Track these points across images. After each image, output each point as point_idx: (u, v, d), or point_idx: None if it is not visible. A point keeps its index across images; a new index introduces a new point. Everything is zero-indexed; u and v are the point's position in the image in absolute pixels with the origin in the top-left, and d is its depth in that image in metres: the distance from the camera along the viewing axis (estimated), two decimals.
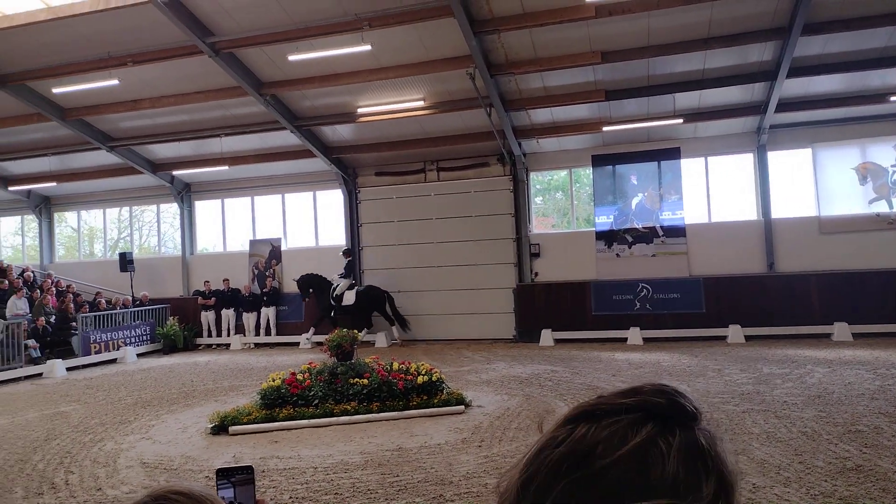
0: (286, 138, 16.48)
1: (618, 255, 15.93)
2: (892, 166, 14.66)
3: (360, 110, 15.13)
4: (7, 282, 16.94)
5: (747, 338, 14.21)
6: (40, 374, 14.01)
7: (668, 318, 15.16)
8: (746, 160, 15.71)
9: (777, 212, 15.27)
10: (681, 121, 14.80)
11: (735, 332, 14.28)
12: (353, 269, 17.08)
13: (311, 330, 16.78)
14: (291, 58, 12.89)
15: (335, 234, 18.30)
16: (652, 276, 15.52)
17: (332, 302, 16.39)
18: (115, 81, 13.94)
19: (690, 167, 15.90)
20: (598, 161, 16.25)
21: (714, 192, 15.91)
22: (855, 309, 13.91)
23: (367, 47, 12.43)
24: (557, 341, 15.23)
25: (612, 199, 16.18)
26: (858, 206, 14.75)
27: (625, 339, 14.79)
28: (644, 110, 14.86)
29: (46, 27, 12.89)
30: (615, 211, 16.12)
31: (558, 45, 12.85)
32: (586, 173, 16.83)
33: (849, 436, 6.55)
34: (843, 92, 13.97)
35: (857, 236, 14.56)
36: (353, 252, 17.31)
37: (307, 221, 18.78)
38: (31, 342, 14.71)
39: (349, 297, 16.43)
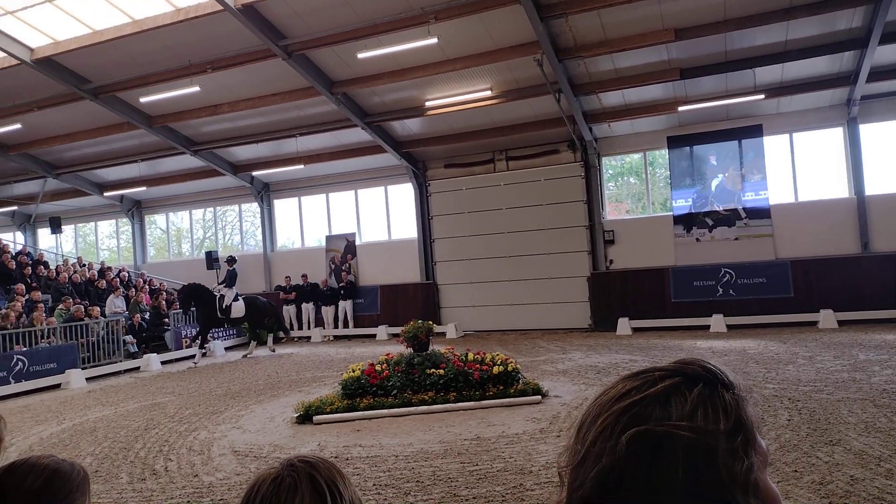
0: (357, 135, 16.81)
1: (698, 239, 15.37)
2: None
3: (427, 104, 15.24)
4: (105, 281, 18.15)
5: (840, 322, 13.43)
6: (137, 368, 14.95)
7: (754, 304, 14.52)
8: (835, 134, 14.78)
9: (871, 188, 14.30)
10: (762, 96, 14.07)
11: (827, 317, 13.51)
12: (235, 277, 15.88)
13: (200, 353, 15.21)
14: (360, 55, 13.12)
15: (407, 228, 18.54)
16: (735, 260, 14.89)
17: (221, 315, 15.25)
18: (196, 88, 14.62)
19: (774, 145, 15.12)
20: (674, 142, 15.70)
21: (801, 169, 15.07)
22: None
23: (434, 40, 12.48)
24: (635, 330, 14.88)
25: (690, 181, 15.60)
26: None
27: (707, 327, 14.28)
28: (722, 87, 14.23)
29: (132, 40, 13.65)
30: (694, 194, 15.55)
31: (628, 24, 12.49)
32: (661, 155, 16.31)
33: None
34: None
35: None
36: (235, 260, 16.42)
37: (379, 216, 19.13)
38: (129, 338, 15.71)
39: (238, 309, 15.44)
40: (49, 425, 9.46)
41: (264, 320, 16.19)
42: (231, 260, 16.51)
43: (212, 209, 21.80)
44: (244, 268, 20.33)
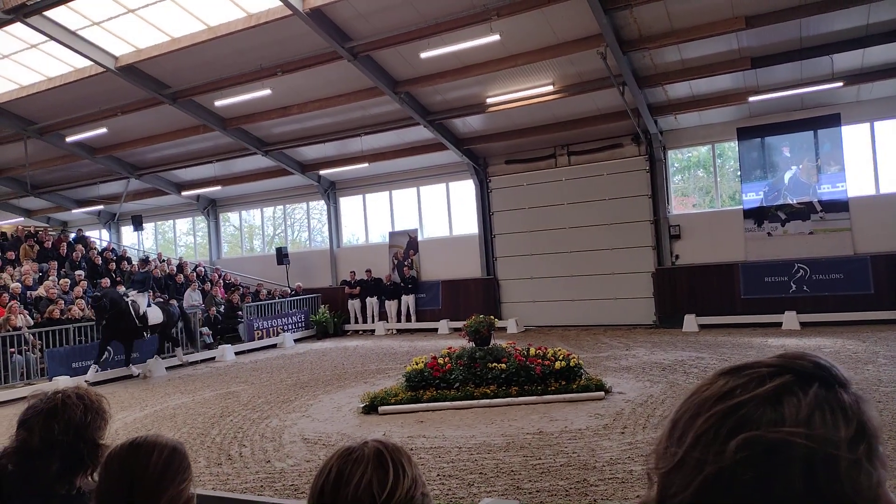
0: (420, 133, 17.04)
1: (769, 233, 14.82)
2: None
3: (489, 100, 15.29)
4: (183, 276, 19.11)
5: None
6: (213, 358, 15.69)
7: (830, 301, 13.90)
8: None
9: None
10: (840, 84, 13.40)
11: None
12: (148, 281, 14.54)
13: (94, 369, 13.05)
14: (423, 55, 13.30)
15: (468, 224, 18.67)
16: (809, 255, 14.28)
17: (139, 323, 13.62)
18: (267, 91, 15.18)
19: (853, 134, 14.38)
20: (745, 134, 15.17)
21: (882, 160, 14.28)
22: None
23: (496, 37, 12.52)
24: (702, 327, 14.51)
25: (762, 173, 15.05)
26: None
27: (779, 324, 13.78)
28: (796, 76, 13.64)
29: (207, 46, 14.30)
30: (765, 186, 14.99)
31: (696, 13, 12.15)
32: (731, 148, 15.79)
33: None
34: None
35: None
36: (148, 261, 15.60)
37: (441, 212, 19.33)
38: (205, 329, 16.50)
39: (155, 315, 14.00)
40: (132, 411, 10.11)
41: (173, 329, 14.86)
42: (144, 261, 15.80)
43: (281, 207, 22.56)
44: (311, 263, 20.98)
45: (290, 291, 19.61)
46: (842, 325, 13.22)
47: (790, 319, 13.68)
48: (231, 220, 24.00)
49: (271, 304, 18.41)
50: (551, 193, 17.11)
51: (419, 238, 19.31)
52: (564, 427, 7.23)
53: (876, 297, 13.54)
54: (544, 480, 5.60)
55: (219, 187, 21.10)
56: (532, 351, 9.35)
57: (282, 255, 19.90)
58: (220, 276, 20.21)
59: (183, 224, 24.96)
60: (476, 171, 18.05)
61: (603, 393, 8.50)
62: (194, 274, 19.53)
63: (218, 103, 16.10)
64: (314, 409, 9.18)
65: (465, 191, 18.76)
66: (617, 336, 14.48)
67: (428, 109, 16.26)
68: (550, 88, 14.64)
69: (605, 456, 6.12)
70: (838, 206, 14.21)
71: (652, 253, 15.96)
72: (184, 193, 22.01)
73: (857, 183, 14.28)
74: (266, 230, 23.21)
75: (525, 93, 14.81)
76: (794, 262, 14.36)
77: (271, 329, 17.82)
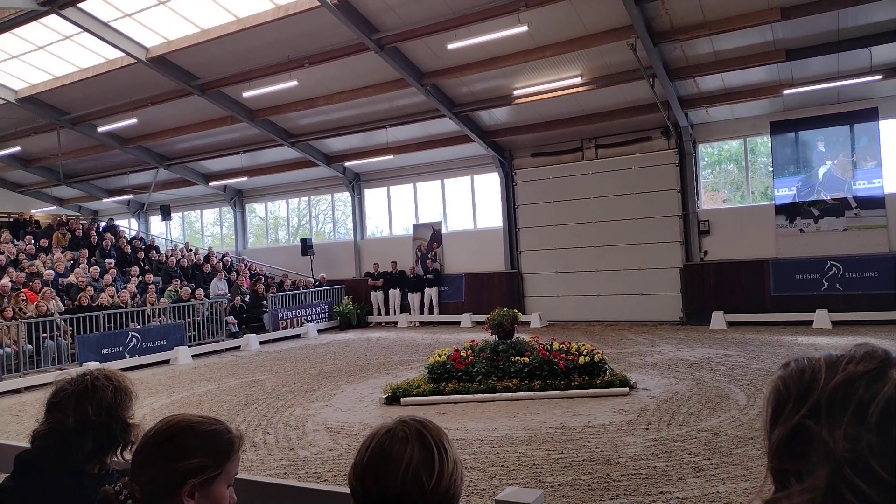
0: (445, 125, 16.98)
1: (801, 230, 14.48)
2: None
3: (516, 92, 15.16)
4: (210, 266, 19.35)
5: None
6: (238, 347, 15.87)
7: (863, 300, 13.55)
8: None
9: None
10: (879, 77, 12.99)
11: None
12: None
13: None
14: (450, 46, 13.22)
15: (492, 217, 18.58)
16: (843, 252, 13.93)
17: None
18: (294, 83, 15.24)
19: (891, 129, 13.96)
20: (778, 128, 14.83)
21: None
22: None
23: (524, 28, 12.39)
24: (730, 324, 14.26)
25: (795, 169, 14.70)
26: None
27: (809, 323, 13.48)
28: (833, 68, 13.28)
29: (236, 38, 14.41)
30: (798, 182, 14.65)
31: (730, 4, 11.88)
32: (763, 142, 15.45)
33: None
34: None
35: None
36: None
37: (465, 205, 19.26)
38: (231, 318, 16.70)
39: None
40: (160, 397, 10.26)
41: None
42: None
43: (306, 198, 22.71)
44: (335, 254, 21.08)
45: (314, 282, 19.74)
46: (875, 324, 12.88)
47: (822, 318, 13.37)
48: (257, 210, 24.23)
49: (295, 294, 18.56)
50: (578, 187, 16.93)
51: (443, 231, 19.28)
52: (587, 422, 7.15)
53: None
54: (566, 474, 5.54)
55: (245, 178, 21.29)
56: (555, 345, 9.26)
57: (306, 246, 20.04)
58: (245, 266, 20.42)
59: (210, 214, 25.28)
60: (501, 164, 17.94)
61: (627, 389, 8.40)
62: (220, 264, 19.76)
63: (246, 94, 16.22)
64: (337, 399, 9.22)
65: (489, 184, 18.67)
66: (642, 332, 14.31)
67: (454, 101, 16.19)
68: (578, 80, 14.46)
69: (628, 451, 6.04)
70: (874, 203, 13.83)
71: (680, 248, 15.72)
72: (211, 184, 22.28)
73: (894, 179, 13.87)
74: (291, 221, 23.39)
75: (552, 85, 14.65)
76: (826, 260, 14.02)
77: (295, 319, 17.96)
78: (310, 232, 22.26)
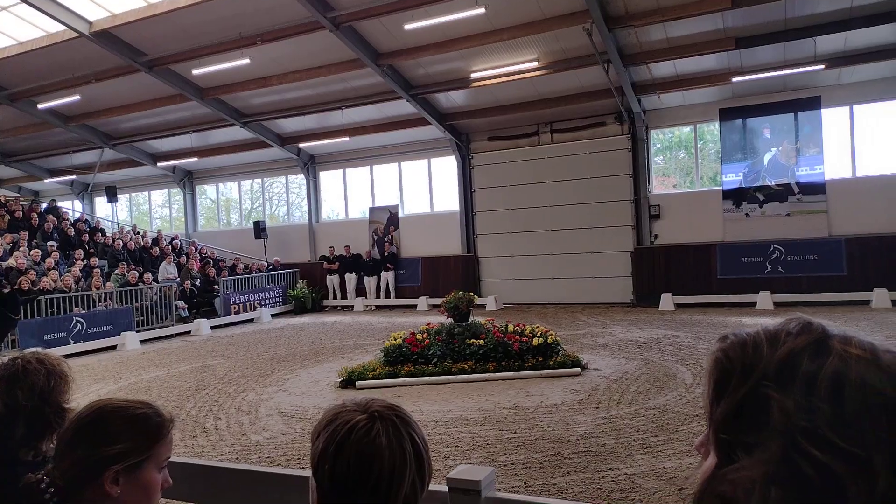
0: (402, 107, 16.84)
1: (747, 214, 14.96)
2: None
3: (473, 75, 15.12)
4: (159, 249, 18.82)
5: (895, 302, 12.96)
6: (188, 332, 15.53)
7: (804, 282, 14.12)
8: None
9: None
10: (822, 67, 13.46)
11: (880, 296, 13.06)
12: None
13: None
14: (407, 27, 13.08)
15: (449, 200, 18.58)
16: (786, 236, 14.46)
17: None
18: (246, 60, 14.85)
19: (832, 117, 14.49)
20: (727, 115, 15.22)
21: (860, 143, 14.43)
22: None
23: (481, 10, 12.34)
24: (678, 306, 14.67)
25: (742, 155, 15.13)
26: None
27: (753, 304, 13.98)
28: (780, 57, 13.67)
29: (185, 13, 13.91)
30: (745, 168, 15.10)
31: None
32: (712, 129, 15.84)
33: None
34: None
35: None
36: None
37: (422, 188, 19.20)
38: (181, 303, 16.31)
39: None
40: (106, 384, 9.97)
41: None
42: None
43: (259, 180, 22.26)
44: (289, 238, 20.77)
45: (267, 266, 19.42)
46: (815, 305, 13.45)
47: (765, 299, 13.88)
48: (208, 192, 23.64)
49: (248, 278, 18.23)
50: (533, 171, 17.06)
51: (400, 214, 19.20)
52: (540, 402, 7.27)
53: (848, 278, 13.79)
54: (519, 453, 5.63)
55: (195, 159, 20.73)
56: (510, 328, 9.37)
57: (259, 229, 19.67)
58: (196, 250, 19.94)
59: (158, 196, 24.54)
60: (458, 148, 17.92)
61: (579, 369, 8.57)
62: (170, 247, 19.24)
63: (196, 72, 15.74)
64: (291, 384, 9.13)
65: (447, 167, 18.64)
66: (595, 314, 14.59)
67: (411, 83, 16.05)
68: (535, 64, 14.52)
69: (579, 430, 6.17)
70: (815, 189, 14.37)
71: (631, 232, 16.05)
72: (159, 164, 21.61)
73: (834, 166, 14.43)
74: (244, 203, 22.92)
75: (509, 68, 14.67)
76: (770, 244, 14.54)
77: (248, 303, 17.66)
78: (263, 215, 21.86)
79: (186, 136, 19.74)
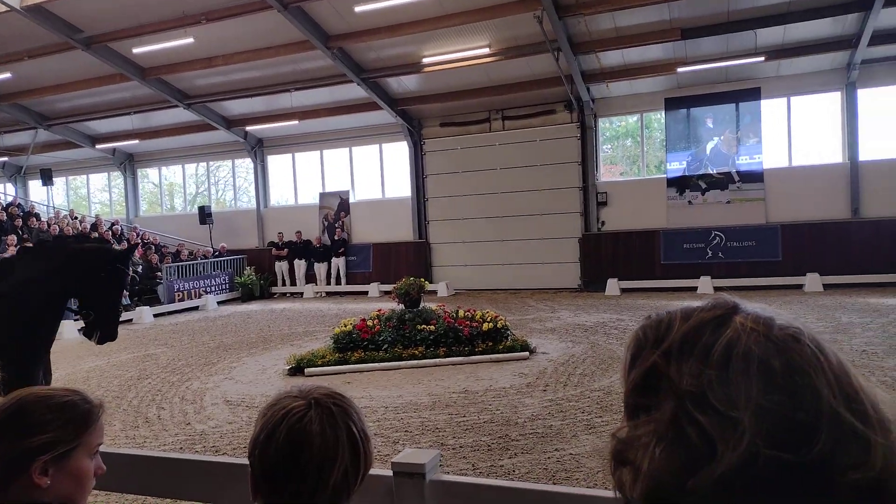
0: (353, 91, 16.62)
1: (690, 202, 15.42)
2: None
3: (425, 60, 15.03)
4: (98, 235, 18.11)
5: (826, 286, 13.62)
6: (130, 320, 15.04)
7: (742, 267, 14.68)
8: (833, 99, 14.71)
9: (865, 154, 14.31)
10: (762, 59, 13.92)
11: (813, 281, 13.70)
12: None
13: None
14: (358, 9, 12.89)
15: (401, 186, 18.50)
16: (726, 223, 14.98)
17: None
18: (190, 40, 14.36)
19: (771, 108, 15.04)
20: (672, 104, 15.60)
21: (796, 134, 15.04)
22: None
23: None
24: (624, 291, 15.05)
25: (686, 144, 15.56)
26: None
27: (695, 289, 14.45)
28: (722, 49, 14.07)
29: None
30: (688, 156, 15.53)
31: None
32: (658, 118, 16.22)
33: None
34: None
35: None
36: None
37: (374, 174, 19.05)
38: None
39: None
40: None
41: None
42: None
43: (205, 164, 21.65)
44: (236, 223, 20.31)
45: (213, 252, 18.96)
46: (752, 289, 13.98)
47: (705, 284, 14.37)
48: (150, 176, 22.86)
49: (193, 265, 17.76)
50: (485, 158, 17.14)
51: (351, 200, 19.01)
52: (489, 386, 7.36)
53: (783, 263, 14.40)
54: (468, 437, 5.70)
55: (136, 141, 20.02)
56: (461, 313, 9.43)
57: (205, 215, 19.14)
58: (137, 236, 19.28)
59: (97, 179, 23.58)
60: (410, 133, 17.83)
61: (527, 353, 8.71)
62: (109, 233, 18.55)
63: (136, 51, 15.15)
64: (238, 372, 8.98)
65: (398, 153, 18.53)
66: (544, 299, 14.83)
67: (362, 67, 15.85)
68: (486, 51, 14.53)
69: (526, 412, 6.28)
70: (754, 177, 14.92)
71: (580, 219, 16.33)
72: (98, 147, 20.76)
73: (772, 155, 15.00)
74: (188, 188, 22.26)
75: (461, 54, 14.65)
76: (711, 230, 15.04)
77: (193, 291, 17.22)
78: (209, 199, 21.28)
79: (127, 118, 19.00)
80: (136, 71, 16.46)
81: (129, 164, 22.06)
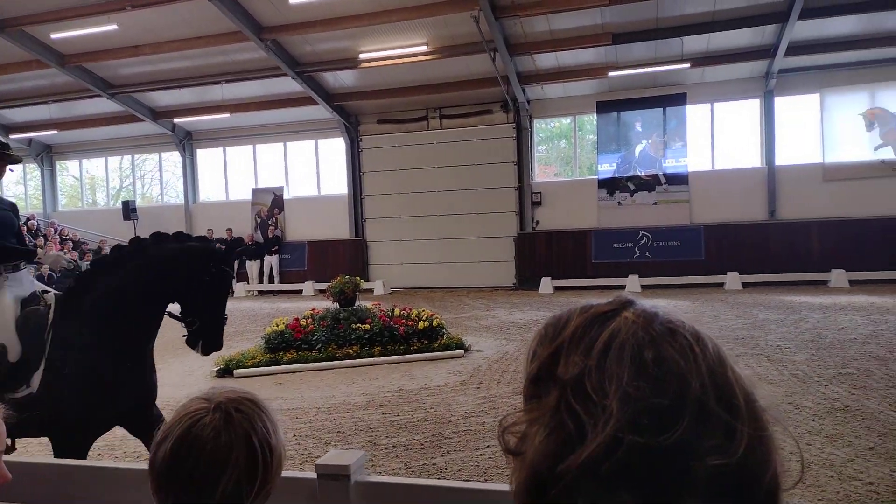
0: (288, 85, 16.28)
1: (619, 203, 15.91)
2: None
3: (362, 55, 14.90)
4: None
5: (745, 284, 14.33)
6: None
7: (668, 266, 15.27)
8: (753, 106, 15.49)
9: (781, 159, 15.15)
10: (688, 65, 14.52)
11: (732, 279, 14.39)
12: None
13: None
14: (293, 0, 12.63)
15: (337, 183, 18.27)
16: (653, 224, 15.55)
17: None
18: (113, 26, 13.73)
19: (696, 113, 15.70)
20: (603, 107, 16.05)
21: (719, 138, 15.76)
22: (854, 256, 13.94)
23: None
24: (557, 289, 15.39)
25: (616, 146, 16.05)
26: (863, 153, 14.61)
27: (623, 287, 14.89)
28: (651, 54, 14.58)
29: None
30: (618, 158, 16.02)
31: None
32: (590, 120, 16.65)
33: (839, 378, 6.69)
34: (855, 34, 13.63)
35: (860, 183, 14.48)
36: None
37: (309, 170, 18.74)
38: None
39: None
40: None
41: None
42: None
43: (129, 157, 20.74)
44: (163, 220, 19.55)
45: None
46: (677, 287, 14.59)
47: (633, 282, 14.86)
48: (70, 169, 21.72)
49: None
50: (422, 156, 17.15)
51: (285, 196, 18.64)
52: (424, 384, 7.37)
53: (706, 262, 15.07)
54: (401, 436, 5.69)
55: (55, 131, 19.03)
56: (397, 312, 9.40)
57: (129, 210, 18.34)
58: (55, 231, 18.29)
59: (11, 172, 22.21)
60: (347, 129, 17.63)
61: (462, 351, 8.76)
62: (25, 228, 17.49)
63: (55, 36, 14.37)
64: (163, 374, 8.53)
65: (335, 149, 18.30)
66: (479, 298, 14.97)
67: (297, 60, 15.55)
68: (424, 49, 14.53)
69: (460, 410, 6.32)
70: (680, 179, 15.54)
71: (515, 218, 16.58)
72: (12, 136, 19.50)
73: (696, 159, 15.66)
74: (111, 182, 21.27)
75: (399, 51, 14.60)
76: (639, 230, 15.57)
77: None
78: (134, 194, 20.43)
79: (45, 107, 18.00)
80: (55, 57, 15.60)
81: (46, 155, 20.89)
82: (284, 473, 1.22)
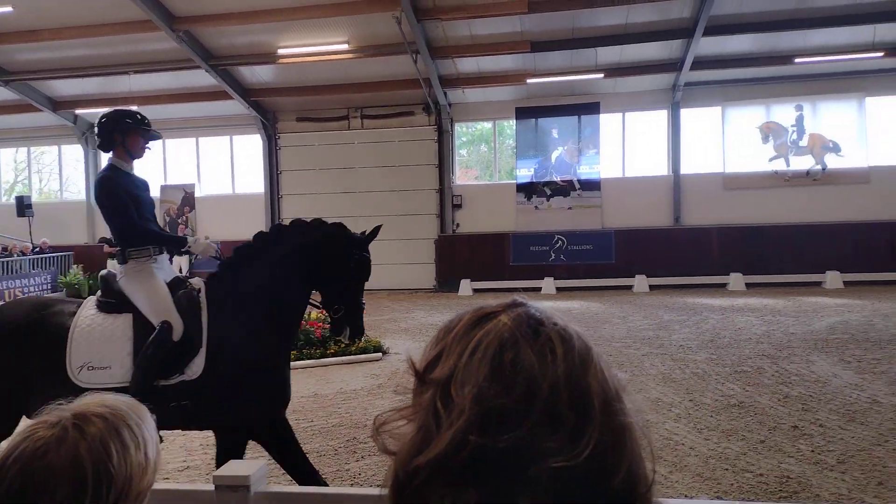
0: (201, 78, 15.65)
1: (536, 207, 16.30)
2: (792, 126, 15.57)
3: (280, 51, 14.53)
4: None
5: (651, 287, 15.01)
6: None
7: (581, 269, 15.78)
8: (661, 117, 16.26)
9: (686, 168, 15.99)
10: (601, 75, 15.07)
11: (640, 282, 15.05)
12: None
13: None
14: None
15: (253, 181, 17.74)
16: (567, 228, 16.03)
17: None
18: (8, 9, 12.80)
19: (608, 122, 16.32)
20: (522, 113, 16.40)
21: (629, 147, 16.44)
22: (751, 260, 14.89)
23: None
24: (476, 291, 15.57)
25: (534, 152, 16.44)
26: (760, 164, 15.65)
27: (539, 289, 15.29)
28: (567, 63, 15.02)
29: None
30: (536, 164, 16.42)
31: None
32: (510, 126, 16.96)
33: (734, 376, 7.12)
34: (753, 52, 14.58)
35: (757, 192, 15.49)
36: None
37: (223, 167, 18.09)
38: None
39: None
40: None
41: None
42: None
43: (25, 149, 19.33)
44: (62, 216, 18.37)
45: (32, 248, 16.96)
46: (589, 289, 15.10)
47: (548, 284, 15.27)
48: None
49: (7, 262, 15.79)
50: (343, 156, 16.93)
51: (197, 194, 17.91)
52: (340, 388, 7.27)
53: (616, 266, 15.68)
54: (315, 441, 5.58)
55: None
56: (314, 314, 9.19)
57: (24, 206, 17.03)
58: None
59: None
60: (264, 126, 17.16)
61: (380, 354, 8.72)
62: None
63: None
64: None
65: (251, 146, 17.76)
66: (399, 300, 14.94)
67: (211, 53, 14.98)
68: (345, 47, 14.35)
69: (376, 414, 6.27)
70: (592, 185, 16.11)
71: (436, 221, 16.65)
72: None
73: (608, 166, 16.29)
74: (5, 175, 19.75)
75: (319, 48, 14.34)
76: (554, 234, 16.02)
77: (8, 291, 15.28)
78: (30, 189, 19.06)
79: None
80: None
81: None
82: (180, 486, 1.16)
